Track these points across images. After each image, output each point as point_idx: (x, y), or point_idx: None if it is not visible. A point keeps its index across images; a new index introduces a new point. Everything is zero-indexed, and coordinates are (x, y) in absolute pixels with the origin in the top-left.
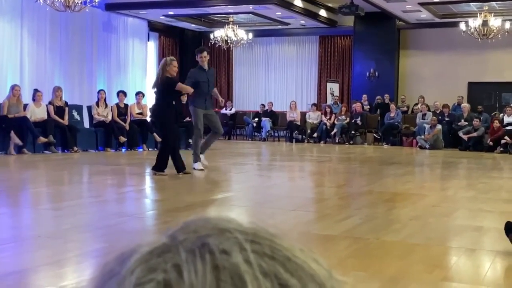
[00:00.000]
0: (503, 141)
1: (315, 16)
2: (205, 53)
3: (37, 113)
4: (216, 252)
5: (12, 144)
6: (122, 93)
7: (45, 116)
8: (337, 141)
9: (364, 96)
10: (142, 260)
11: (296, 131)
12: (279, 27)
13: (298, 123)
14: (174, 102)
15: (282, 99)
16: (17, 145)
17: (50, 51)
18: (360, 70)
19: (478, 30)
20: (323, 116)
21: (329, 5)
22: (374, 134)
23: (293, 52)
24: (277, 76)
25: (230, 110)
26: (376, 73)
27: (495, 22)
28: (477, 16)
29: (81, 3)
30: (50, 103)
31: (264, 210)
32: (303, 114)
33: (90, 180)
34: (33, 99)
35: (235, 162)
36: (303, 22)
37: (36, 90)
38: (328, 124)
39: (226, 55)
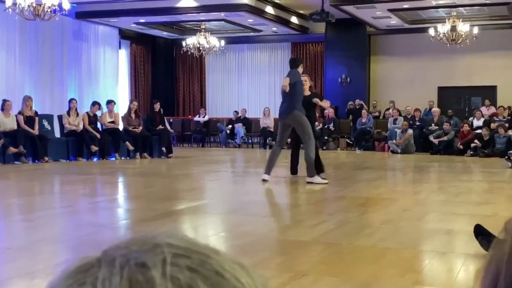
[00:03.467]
0: (473, 145)
1: (286, 23)
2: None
3: (7, 123)
4: (134, 266)
5: None
6: (97, 104)
7: (15, 126)
8: None
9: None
10: (70, 275)
11: (269, 138)
12: (251, 34)
13: (272, 129)
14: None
15: (255, 105)
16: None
17: (19, 61)
18: (332, 76)
19: (447, 35)
20: None
21: (300, 12)
22: (347, 140)
23: (266, 59)
24: (250, 83)
25: (204, 117)
26: (348, 79)
27: (463, 28)
28: (445, 22)
29: (50, 11)
30: (19, 113)
31: (238, 217)
32: (277, 121)
33: (62, 190)
34: (1, 109)
35: (209, 170)
36: (275, 29)
37: (4, 100)
38: None
39: (198, 63)
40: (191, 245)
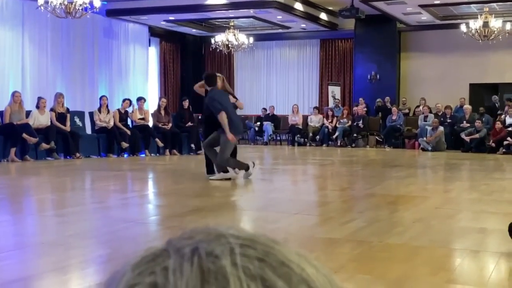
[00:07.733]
0: (505, 142)
1: (315, 19)
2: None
3: (41, 120)
4: (205, 255)
5: (13, 152)
6: (128, 101)
7: (49, 123)
8: (339, 144)
9: (361, 100)
10: (136, 265)
11: (298, 135)
12: (280, 30)
13: (300, 126)
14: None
15: (284, 102)
16: (32, 143)
17: (51, 58)
18: (361, 73)
19: (479, 31)
20: (325, 119)
21: (329, 8)
22: (376, 137)
23: (294, 56)
24: (279, 80)
25: None
26: (378, 76)
27: (495, 23)
28: (477, 18)
29: (82, 9)
30: (51, 109)
31: (268, 214)
32: (305, 118)
33: (93, 186)
34: (37, 106)
35: None
36: (303, 25)
37: (39, 98)
38: (330, 127)
39: (227, 60)
40: (253, 236)
